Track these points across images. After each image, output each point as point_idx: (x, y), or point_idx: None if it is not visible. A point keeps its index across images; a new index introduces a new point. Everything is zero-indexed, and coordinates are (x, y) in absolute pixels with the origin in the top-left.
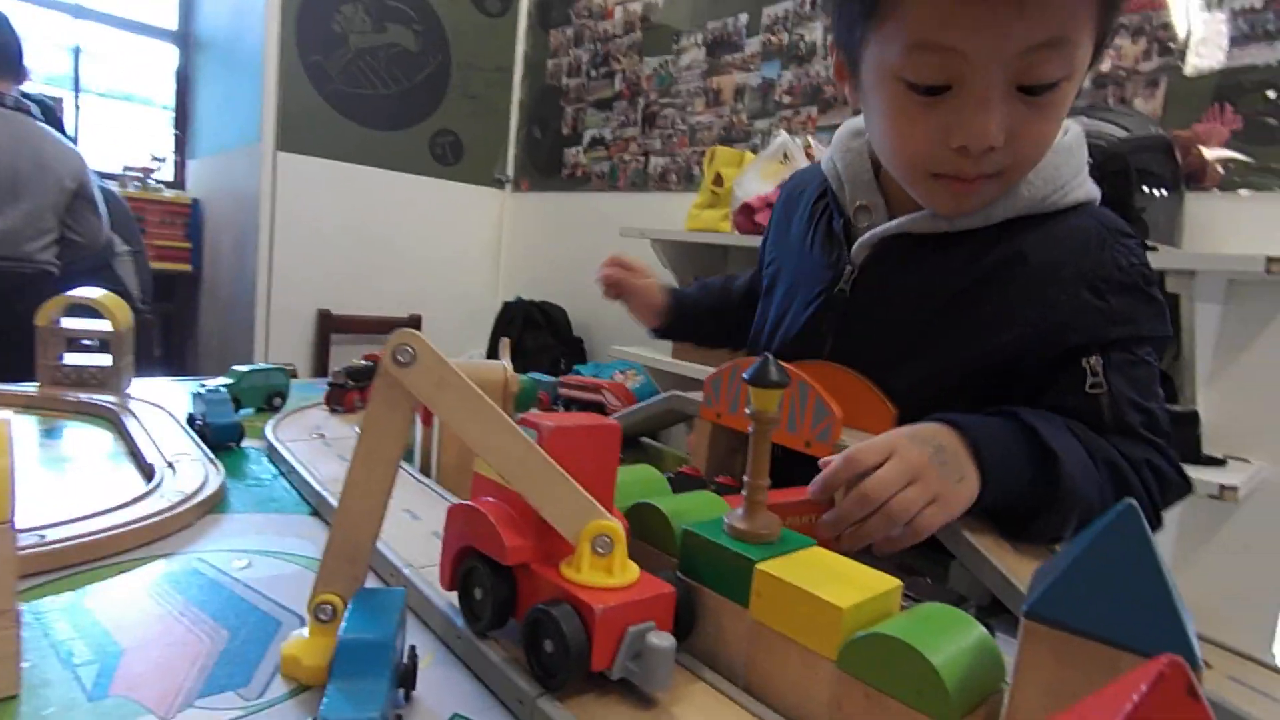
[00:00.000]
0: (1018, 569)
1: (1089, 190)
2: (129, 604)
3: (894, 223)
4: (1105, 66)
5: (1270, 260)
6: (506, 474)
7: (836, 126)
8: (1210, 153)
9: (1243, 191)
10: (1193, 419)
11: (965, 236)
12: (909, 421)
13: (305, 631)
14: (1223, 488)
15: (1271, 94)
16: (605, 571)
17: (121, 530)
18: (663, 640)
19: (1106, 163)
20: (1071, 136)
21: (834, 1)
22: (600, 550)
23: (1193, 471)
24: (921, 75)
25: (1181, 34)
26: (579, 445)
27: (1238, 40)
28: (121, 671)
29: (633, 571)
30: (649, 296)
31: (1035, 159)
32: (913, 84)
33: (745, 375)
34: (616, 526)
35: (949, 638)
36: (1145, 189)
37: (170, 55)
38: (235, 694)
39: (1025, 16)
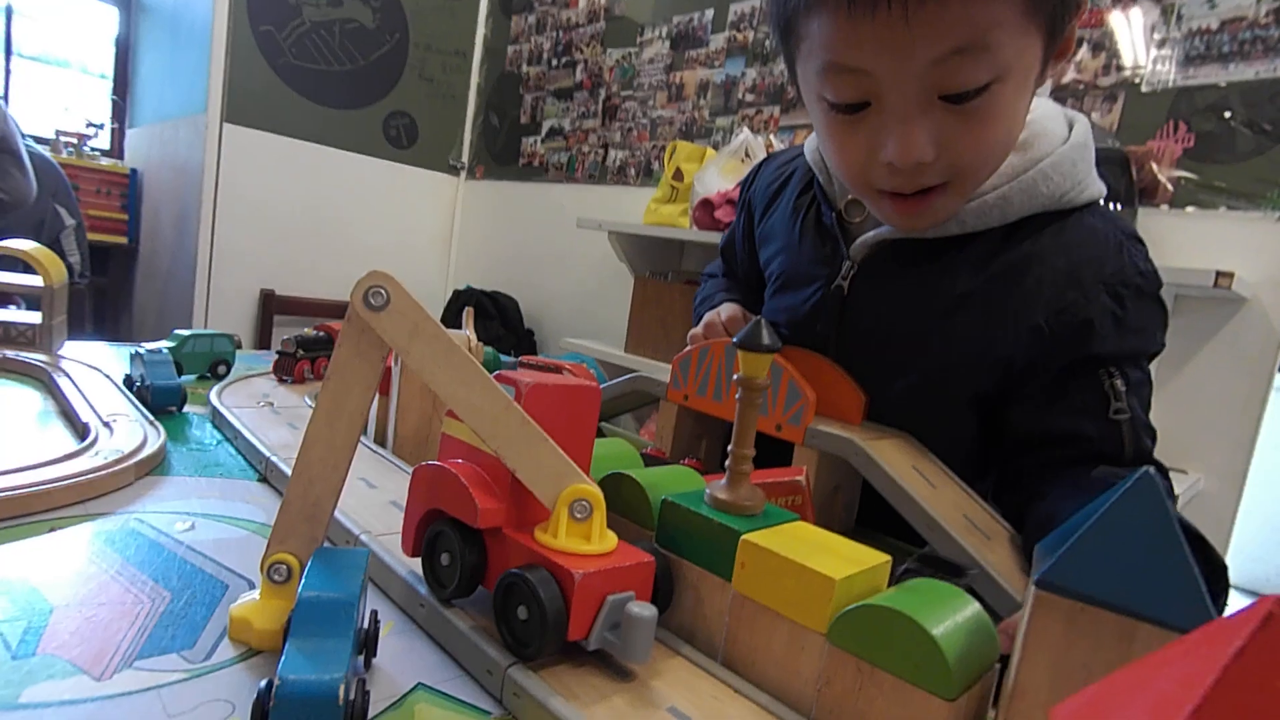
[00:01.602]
0: (992, 558)
1: (1099, 186)
2: (61, 563)
3: (874, 233)
4: (1066, 78)
5: (1220, 274)
6: (481, 431)
7: (799, 127)
8: (1162, 170)
9: (1191, 209)
10: None
11: (976, 235)
12: (910, 426)
13: (256, 595)
14: None
15: (1225, 114)
16: (583, 538)
17: (52, 486)
18: (644, 610)
19: None
20: (1083, 130)
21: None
22: (578, 515)
23: None
24: (838, 95)
25: (1133, 54)
26: (558, 405)
27: (1192, 59)
28: (51, 630)
29: (611, 540)
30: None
31: (980, 167)
32: (833, 103)
33: (735, 339)
34: (596, 492)
35: (946, 611)
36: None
37: (111, 19)
38: (179, 656)
39: (918, 31)
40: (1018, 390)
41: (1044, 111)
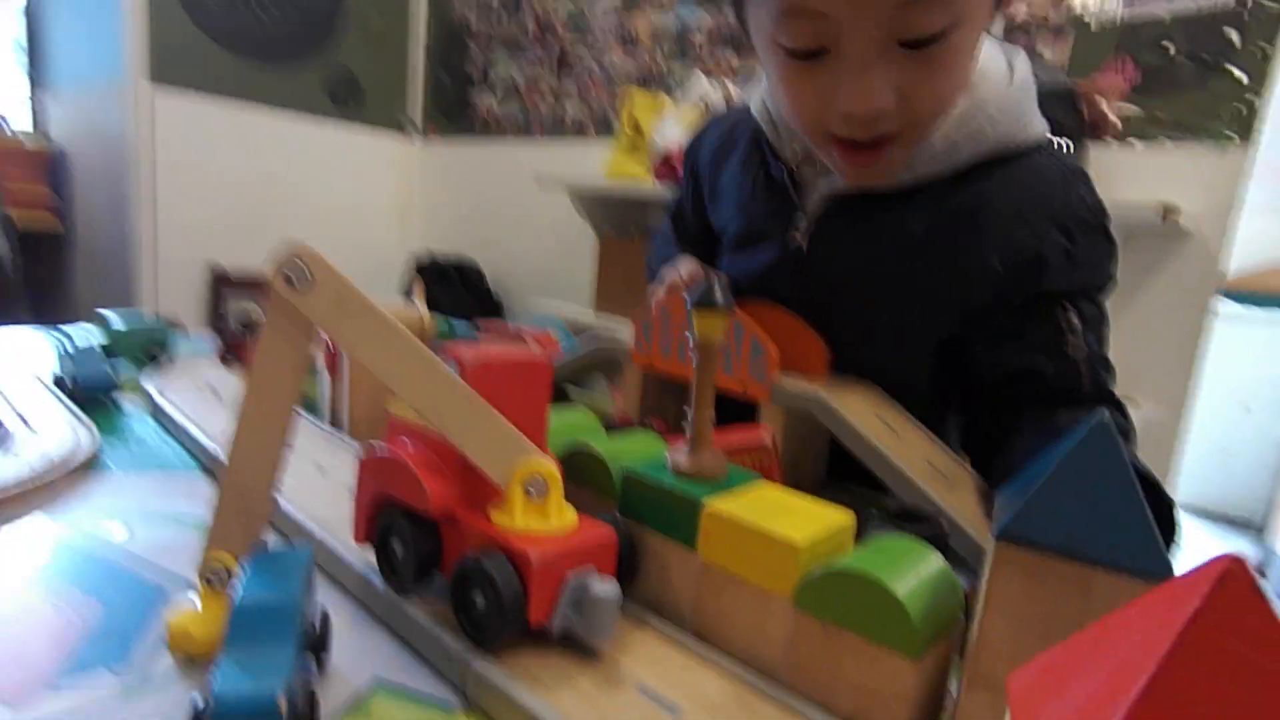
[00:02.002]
0: (955, 504)
1: (1043, 124)
2: None
3: (828, 187)
4: (1020, 15)
5: (1166, 209)
6: (425, 411)
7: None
8: (1109, 105)
9: (1137, 142)
10: None
11: (926, 184)
12: (876, 378)
13: (195, 600)
14: None
15: (1167, 46)
16: (540, 516)
17: None
18: (605, 588)
19: None
20: (1024, 68)
21: None
22: (533, 493)
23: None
24: (795, 41)
25: None
26: (505, 380)
27: None
28: None
29: (570, 516)
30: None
31: (936, 115)
32: (789, 50)
33: (688, 298)
34: (550, 467)
35: (909, 568)
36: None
37: None
38: (108, 671)
39: None
40: (977, 332)
41: (985, 51)
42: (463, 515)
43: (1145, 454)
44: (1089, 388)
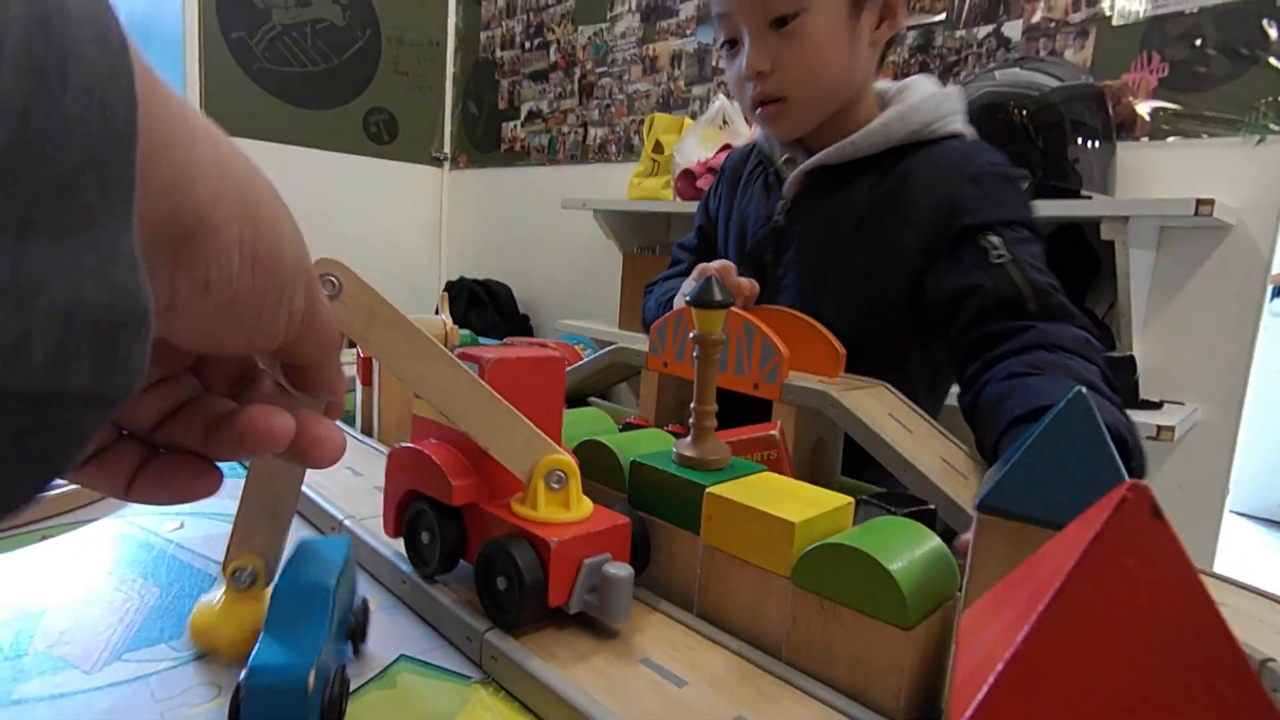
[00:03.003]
0: (964, 492)
1: (965, 127)
2: (52, 568)
3: (813, 158)
4: (1036, 18)
5: (1200, 202)
6: (449, 412)
7: None
8: (1139, 102)
9: (1171, 139)
10: (1129, 364)
11: (869, 165)
12: (849, 335)
13: (217, 598)
14: (1160, 429)
15: (1197, 41)
16: (561, 507)
17: (43, 498)
18: (620, 570)
19: (1040, 113)
20: (953, 88)
21: None
22: (555, 486)
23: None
24: (722, 36)
25: None
26: (523, 378)
27: None
28: (42, 630)
29: (587, 506)
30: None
31: (808, 81)
32: (723, 43)
33: (687, 297)
34: (569, 461)
35: (902, 545)
36: (1079, 140)
37: None
38: (167, 646)
39: None
40: (924, 275)
41: (918, 80)
42: (485, 505)
43: (1195, 457)
44: (1033, 298)
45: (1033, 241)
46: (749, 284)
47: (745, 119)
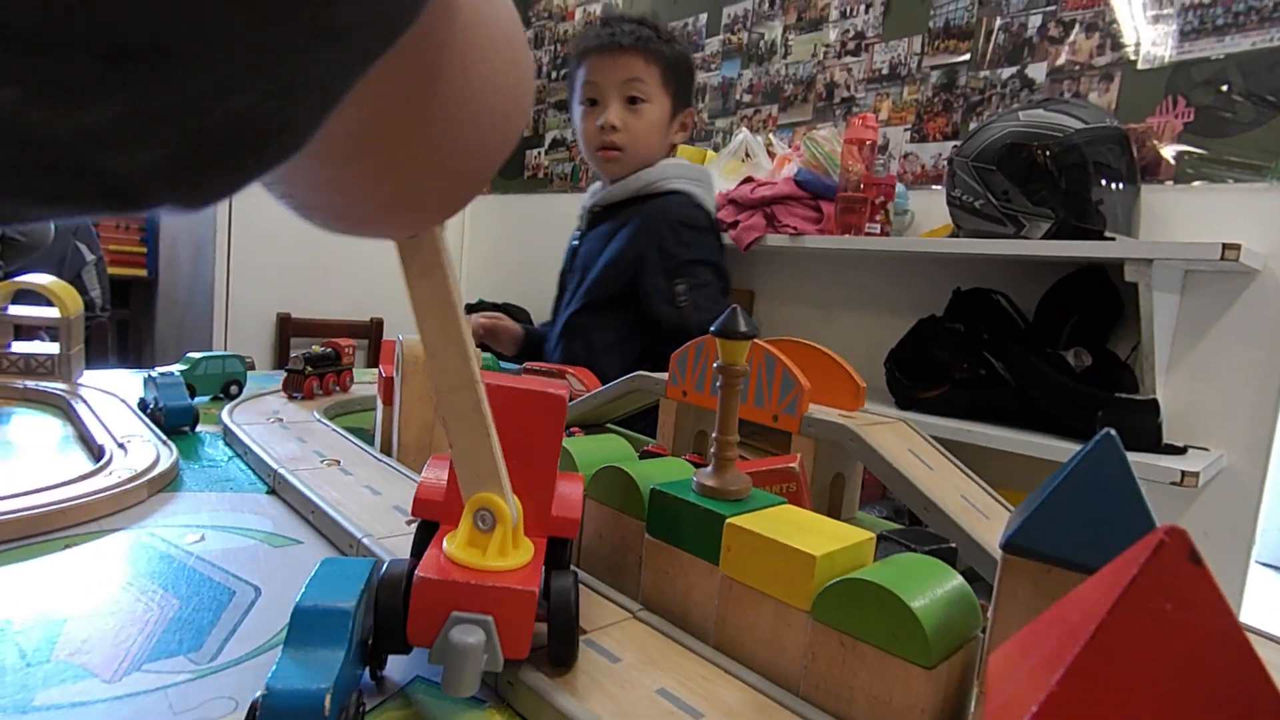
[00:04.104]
0: (985, 532)
1: (686, 187)
2: (76, 576)
3: (594, 199)
4: (1060, 60)
5: (1226, 247)
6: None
7: (797, 124)
8: (1164, 145)
9: (1196, 183)
10: (1153, 407)
11: (618, 208)
12: (596, 328)
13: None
14: (1184, 474)
15: (1223, 87)
16: (479, 550)
17: (68, 505)
18: (468, 637)
19: (1063, 154)
20: (693, 165)
21: None
22: (480, 525)
23: (1153, 460)
24: (588, 96)
25: (1130, 31)
26: (515, 409)
27: (1187, 34)
28: (65, 638)
29: (517, 559)
30: (512, 334)
31: (637, 143)
32: (585, 101)
33: (713, 328)
34: (503, 506)
35: (925, 583)
36: (1103, 182)
37: None
38: (185, 658)
39: (618, 66)
40: (637, 291)
41: (676, 159)
42: (445, 528)
43: (1219, 503)
44: (695, 329)
45: (704, 285)
46: (486, 322)
47: (588, 158)
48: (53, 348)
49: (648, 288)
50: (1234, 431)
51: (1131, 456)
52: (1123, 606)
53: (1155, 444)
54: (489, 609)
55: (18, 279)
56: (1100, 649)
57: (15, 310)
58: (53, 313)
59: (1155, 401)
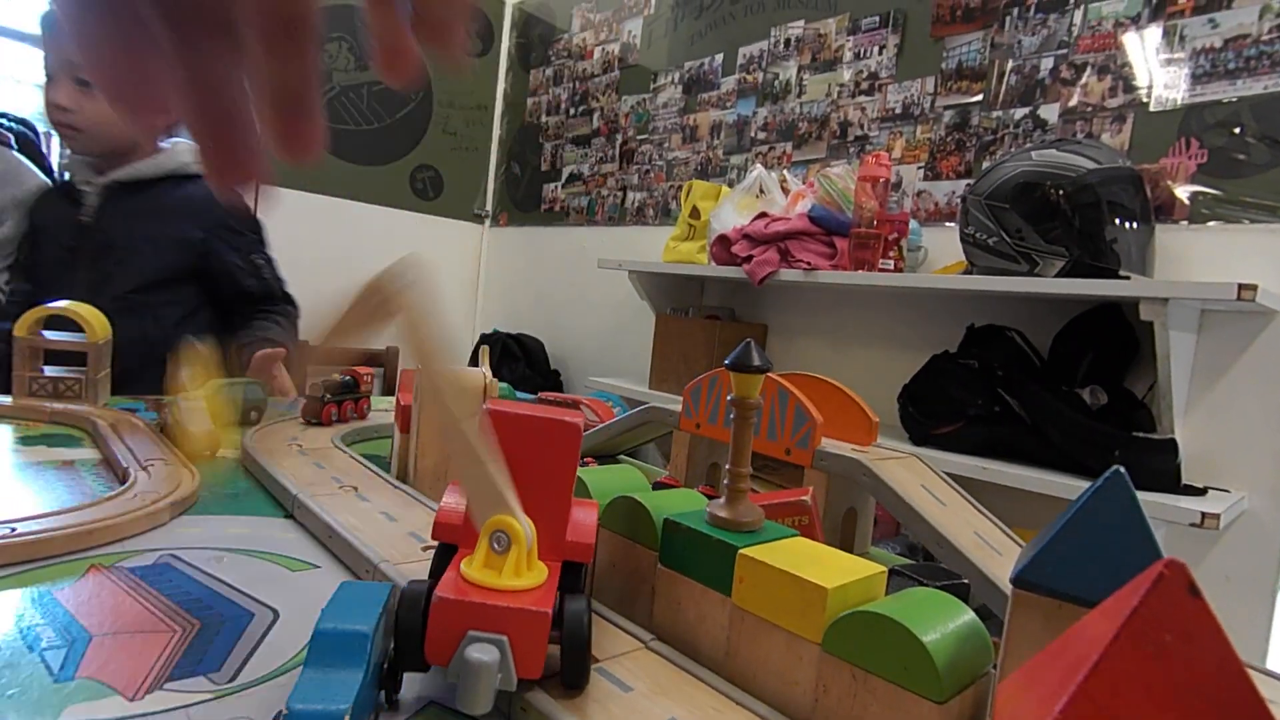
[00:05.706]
0: (998, 568)
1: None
2: (100, 596)
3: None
4: (1072, 102)
5: (1242, 287)
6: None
7: (811, 161)
8: (1178, 186)
9: (1211, 223)
10: (1171, 447)
11: (148, 181)
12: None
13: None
14: (1204, 516)
15: (1236, 129)
16: (495, 571)
17: (93, 526)
18: (483, 655)
19: (1077, 194)
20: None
21: None
22: (496, 547)
23: (1172, 501)
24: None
25: (1142, 74)
26: (533, 435)
27: (1199, 78)
28: (89, 656)
29: (532, 579)
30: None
31: (96, 127)
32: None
33: (726, 361)
34: (517, 527)
35: (937, 617)
36: (1116, 221)
37: None
38: (205, 678)
39: None
40: (211, 284)
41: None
42: (463, 550)
43: (1241, 546)
44: (279, 290)
45: (270, 261)
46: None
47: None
48: (79, 371)
49: (227, 265)
50: (1255, 473)
51: (1150, 497)
52: (1124, 638)
53: (1174, 484)
54: (504, 629)
55: (50, 305)
56: (1102, 679)
57: (46, 335)
58: (81, 338)
59: (1174, 441)
